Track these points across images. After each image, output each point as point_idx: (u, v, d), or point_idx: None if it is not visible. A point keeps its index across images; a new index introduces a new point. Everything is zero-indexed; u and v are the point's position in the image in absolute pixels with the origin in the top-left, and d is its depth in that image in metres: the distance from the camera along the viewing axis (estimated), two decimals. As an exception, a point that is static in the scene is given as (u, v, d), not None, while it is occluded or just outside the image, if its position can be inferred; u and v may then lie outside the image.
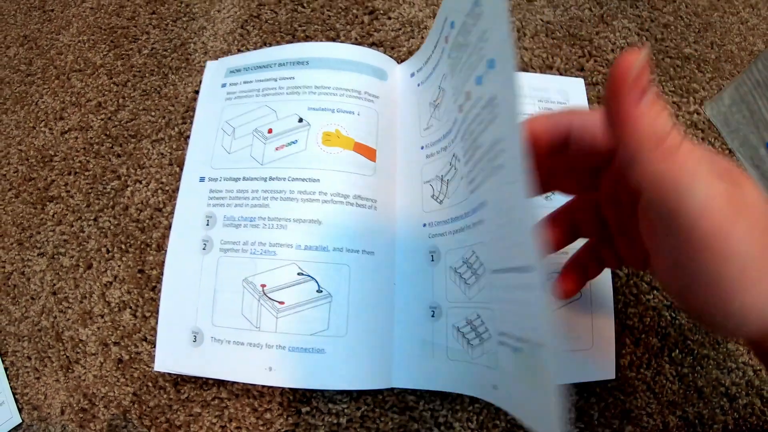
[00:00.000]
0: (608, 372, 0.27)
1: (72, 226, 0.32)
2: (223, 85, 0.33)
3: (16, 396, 0.30)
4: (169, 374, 0.28)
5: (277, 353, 0.27)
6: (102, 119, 0.35)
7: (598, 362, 0.28)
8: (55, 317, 0.31)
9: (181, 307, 0.28)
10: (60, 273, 0.32)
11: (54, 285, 0.32)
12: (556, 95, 0.32)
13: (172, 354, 0.28)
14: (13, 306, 0.32)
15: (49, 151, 0.35)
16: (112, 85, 0.36)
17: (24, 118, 0.37)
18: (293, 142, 0.30)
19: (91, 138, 0.34)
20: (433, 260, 0.28)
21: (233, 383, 0.28)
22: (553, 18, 0.35)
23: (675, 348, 0.29)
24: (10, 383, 0.31)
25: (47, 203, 0.34)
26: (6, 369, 0.31)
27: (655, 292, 0.30)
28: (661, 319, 0.29)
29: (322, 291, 0.27)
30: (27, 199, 0.34)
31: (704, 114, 0.34)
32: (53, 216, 0.33)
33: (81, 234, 0.32)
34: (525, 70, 0.33)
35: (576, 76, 0.33)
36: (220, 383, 0.28)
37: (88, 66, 0.37)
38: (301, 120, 0.30)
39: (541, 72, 0.33)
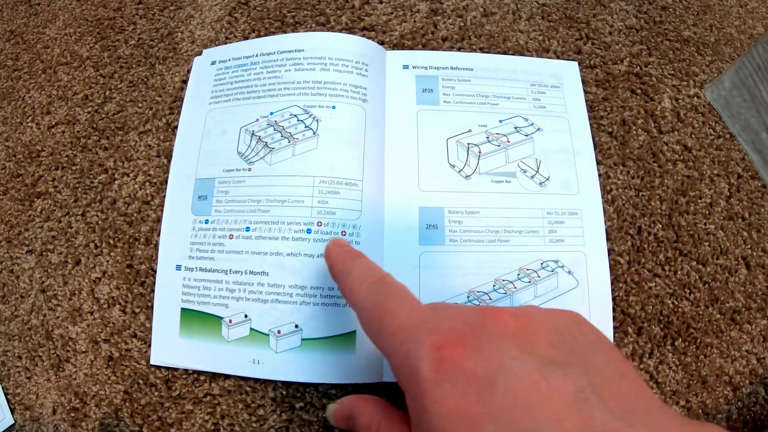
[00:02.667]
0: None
1: (60, 221, 0.32)
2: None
3: (8, 396, 0.30)
4: (161, 371, 0.28)
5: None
6: (89, 112, 0.34)
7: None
8: (45, 315, 0.30)
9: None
10: (49, 270, 0.31)
11: (43, 282, 0.31)
12: (550, 79, 0.31)
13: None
14: (3, 305, 0.31)
15: (37, 146, 0.34)
16: (98, 77, 0.35)
17: (11, 113, 0.36)
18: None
19: (78, 132, 0.34)
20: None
21: (225, 379, 0.27)
22: (549, 0, 0.34)
23: (678, 336, 0.28)
24: (1, 383, 0.30)
25: (35, 199, 0.33)
26: (-4, 369, 0.30)
27: (657, 279, 0.29)
28: (664, 307, 0.28)
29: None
30: (15, 195, 0.33)
31: (704, 97, 0.33)
32: (41, 212, 0.32)
33: (69, 230, 0.31)
34: (520, 53, 0.32)
35: (573, 59, 0.33)
36: (212, 379, 0.27)
37: (74, 59, 0.36)
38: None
39: (537, 55, 0.32)
